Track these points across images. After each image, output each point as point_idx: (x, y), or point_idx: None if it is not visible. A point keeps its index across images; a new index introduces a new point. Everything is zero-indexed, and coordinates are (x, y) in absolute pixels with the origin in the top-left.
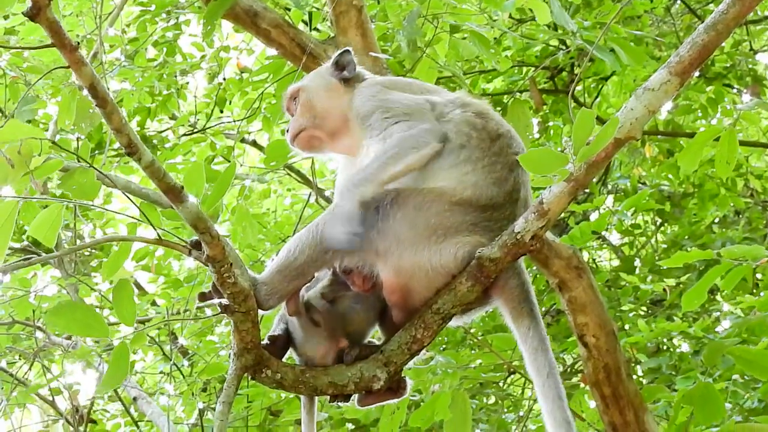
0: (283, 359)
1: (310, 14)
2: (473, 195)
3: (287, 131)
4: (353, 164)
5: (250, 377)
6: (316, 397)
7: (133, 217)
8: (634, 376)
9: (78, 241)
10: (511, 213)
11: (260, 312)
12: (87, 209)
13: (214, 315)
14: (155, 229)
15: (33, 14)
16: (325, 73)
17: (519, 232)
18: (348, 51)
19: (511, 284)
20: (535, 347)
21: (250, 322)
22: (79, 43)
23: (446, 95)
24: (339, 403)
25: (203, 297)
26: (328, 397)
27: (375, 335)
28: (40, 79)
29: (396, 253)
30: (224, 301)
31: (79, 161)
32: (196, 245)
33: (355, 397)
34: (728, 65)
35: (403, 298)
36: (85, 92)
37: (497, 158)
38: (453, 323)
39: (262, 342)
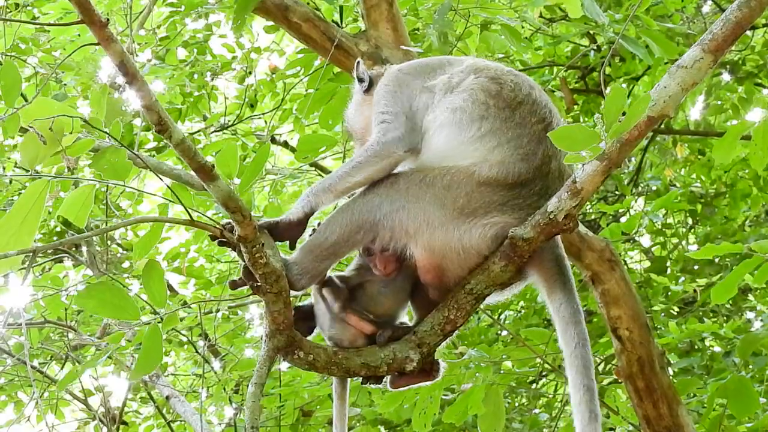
0: (312, 337)
1: (341, 8)
2: (500, 174)
3: None
4: None
5: (282, 358)
6: (348, 382)
7: (165, 198)
8: None
9: (109, 243)
10: (542, 187)
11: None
12: (118, 206)
13: (238, 305)
14: (187, 210)
15: None
16: (354, 92)
17: (552, 211)
18: (358, 62)
19: (545, 259)
20: (567, 319)
21: (281, 302)
22: (108, 20)
23: (460, 65)
24: (371, 385)
25: (234, 284)
26: (361, 379)
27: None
28: (70, 56)
29: (427, 234)
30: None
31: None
32: (228, 228)
33: (388, 379)
34: (759, 64)
35: (437, 277)
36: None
37: (522, 130)
38: (492, 299)
39: None
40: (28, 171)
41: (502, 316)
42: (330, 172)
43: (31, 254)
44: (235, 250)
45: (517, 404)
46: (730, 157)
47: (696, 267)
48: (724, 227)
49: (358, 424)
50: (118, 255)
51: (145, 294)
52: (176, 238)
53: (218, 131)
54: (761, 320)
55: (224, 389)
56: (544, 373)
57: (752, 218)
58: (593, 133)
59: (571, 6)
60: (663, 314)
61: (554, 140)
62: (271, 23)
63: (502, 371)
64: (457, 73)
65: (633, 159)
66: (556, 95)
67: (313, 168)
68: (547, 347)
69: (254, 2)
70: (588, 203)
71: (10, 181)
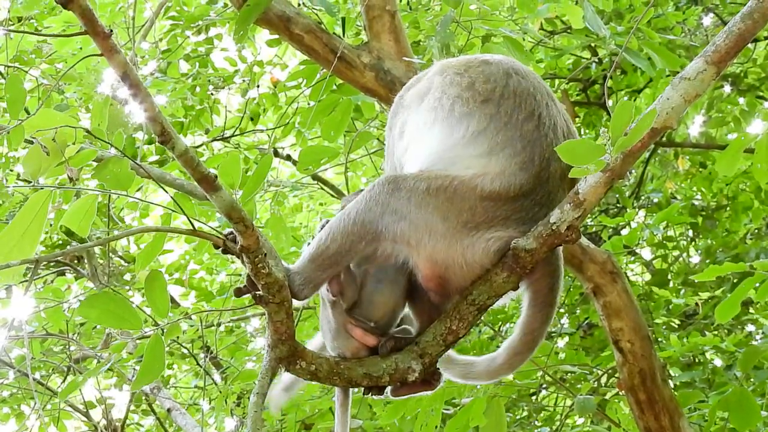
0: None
1: (343, 20)
2: (501, 187)
3: None
4: None
5: (284, 368)
6: (351, 392)
7: (167, 207)
8: None
9: (111, 255)
10: (543, 195)
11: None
12: (121, 218)
13: (240, 318)
14: (189, 220)
15: (66, 1)
16: None
17: (554, 223)
18: None
19: (543, 274)
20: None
21: (284, 312)
22: (111, 31)
23: (427, 73)
24: (373, 396)
25: (239, 292)
26: (362, 389)
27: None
28: (73, 67)
29: (429, 245)
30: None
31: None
32: (231, 238)
33: (389, 388)
34: (761, 77)
35: (440, 285)
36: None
37: (513, 132)
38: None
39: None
40: (29, 182)
41: (503, 329)
42: (331, 184)
43: (33, 264)
44: (239, 258)
45: (518, 417)
46: (733, 169)
47: (697, 280)
48: (725, 240)
49: None
50: (120, 267)
51: (148, 304)
52: (177, 251)
53: (219, 140)
54: (762, 333)
55: (226, 402)
56: (545, 386)
57: (753, 231)
58: (598, 147)
59: (573, 17)
60: (664, 327)
61: (560, 154)
62: (273, 36)
63: (503, 383)
64: (424, 80)
65: (634, 171)
66: None
67: (315, 180)
68: (549, 359)
69: (257, 13)
70: (589, 216)
71: (13, 194)
